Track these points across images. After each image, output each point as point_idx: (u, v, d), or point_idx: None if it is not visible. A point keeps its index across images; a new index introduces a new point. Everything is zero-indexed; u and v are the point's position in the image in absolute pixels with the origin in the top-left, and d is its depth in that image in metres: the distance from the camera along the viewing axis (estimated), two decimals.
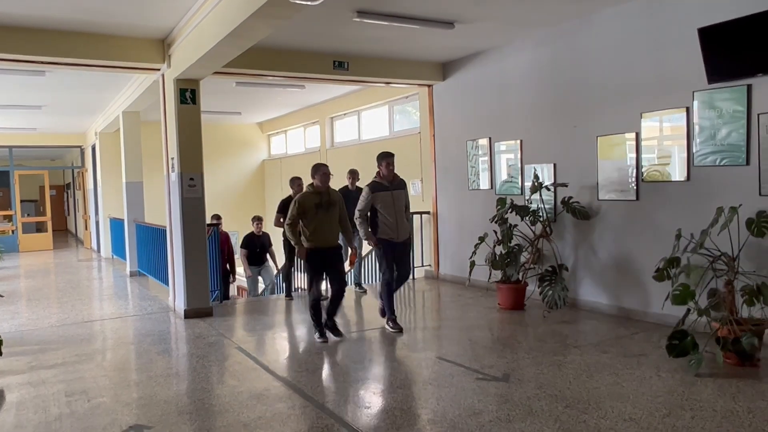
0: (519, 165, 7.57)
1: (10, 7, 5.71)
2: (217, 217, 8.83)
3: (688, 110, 5.56)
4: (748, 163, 5.12)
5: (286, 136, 15.99)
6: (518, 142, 7.58)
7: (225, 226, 9.32)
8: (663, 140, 5.88)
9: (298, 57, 7.74)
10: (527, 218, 6.83)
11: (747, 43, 5.00)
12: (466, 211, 8.54)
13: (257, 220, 9.52)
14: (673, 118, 5.75)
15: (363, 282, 8.72)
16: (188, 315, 7.00)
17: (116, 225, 13.15)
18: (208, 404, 4.23)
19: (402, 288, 7.46)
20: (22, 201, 17.44)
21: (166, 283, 8.11)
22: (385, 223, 5.95)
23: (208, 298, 7.32)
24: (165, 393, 4.44)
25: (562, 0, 6.01)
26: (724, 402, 3.85)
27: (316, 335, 5.76)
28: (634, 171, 6.10)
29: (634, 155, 6.10)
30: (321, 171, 5.65)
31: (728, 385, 4.15)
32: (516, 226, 6.96)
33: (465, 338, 5.75)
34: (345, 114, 13.11)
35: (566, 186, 6.76)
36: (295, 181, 7.78)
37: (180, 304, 7.23)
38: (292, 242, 5.74)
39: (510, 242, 6.88)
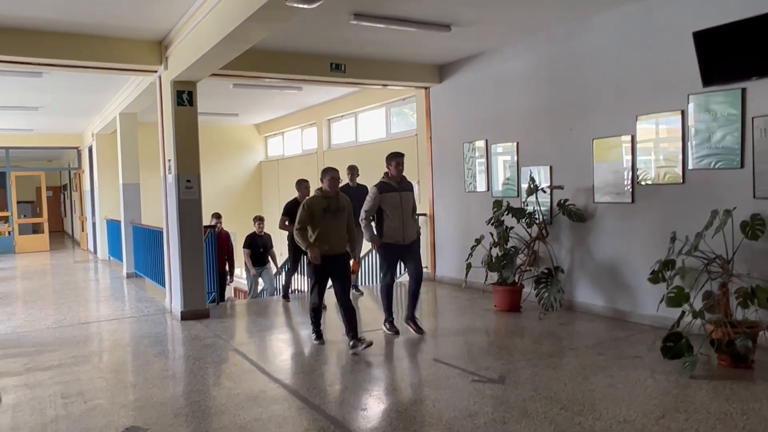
0: (515, 167, 7.60)
1: (7, 8, 5.71)
2: (217, 215, 8.81)
3: (683, 113, 5.59)
4: (742, 166, 5.15)
5: (283, 137, 16.00)
6: (515, 144, 7.60)
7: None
8: (659, 143, 5.91)
9: (295, 59, 7.75)
10: (523, 220, 6.84)
11: (741, 46, 5.04)
12: (463, 214, 8.56)
13: (259, 220, 9.47)
14: (668, 121, 5.78)
15: (360, 284, 8.72)
16: (185, 317, 7.00)
17: (113, 226, 13.13)
18: (204, 406, 4.23)
19: (397, 290, 7.45)
20: (18, 202, 17.41)
21: (163, 284, 8.11)
22: (390, 226, 5.86)
23: (205, 299, 7.32)
24: (161, 395, 4.45)
25: (559, 4, 6.04)
26: (719, 404, 3.87)
27: (313, 336, 5.77)
28: (630, 173, 6.13)
29: (629, 158, 6.13)
30: (329, 175, 5.53)
31: (722, 387, 4.17)
32: (512, 228, 6.99)
33: (461, 340, 5.76)
34: (342, 116, 13.13)
35: (562, 188, 6.78)
36: (302, 184, 7.59)
37: (177, 306, 7.23)
38: (303, 247, 5.56)
39: (506, 244, 6.91)
